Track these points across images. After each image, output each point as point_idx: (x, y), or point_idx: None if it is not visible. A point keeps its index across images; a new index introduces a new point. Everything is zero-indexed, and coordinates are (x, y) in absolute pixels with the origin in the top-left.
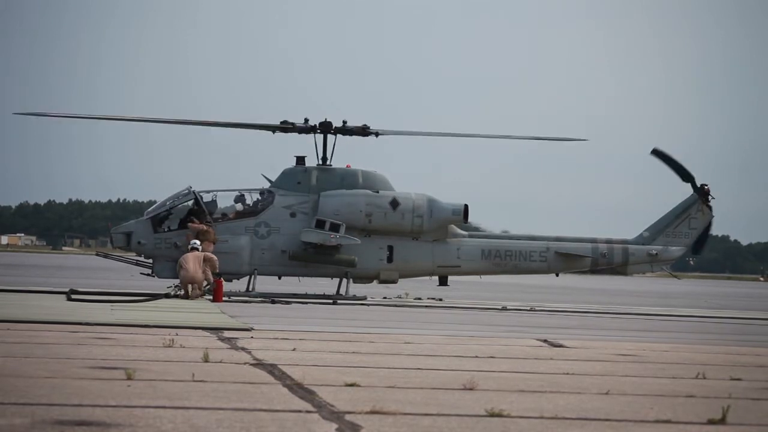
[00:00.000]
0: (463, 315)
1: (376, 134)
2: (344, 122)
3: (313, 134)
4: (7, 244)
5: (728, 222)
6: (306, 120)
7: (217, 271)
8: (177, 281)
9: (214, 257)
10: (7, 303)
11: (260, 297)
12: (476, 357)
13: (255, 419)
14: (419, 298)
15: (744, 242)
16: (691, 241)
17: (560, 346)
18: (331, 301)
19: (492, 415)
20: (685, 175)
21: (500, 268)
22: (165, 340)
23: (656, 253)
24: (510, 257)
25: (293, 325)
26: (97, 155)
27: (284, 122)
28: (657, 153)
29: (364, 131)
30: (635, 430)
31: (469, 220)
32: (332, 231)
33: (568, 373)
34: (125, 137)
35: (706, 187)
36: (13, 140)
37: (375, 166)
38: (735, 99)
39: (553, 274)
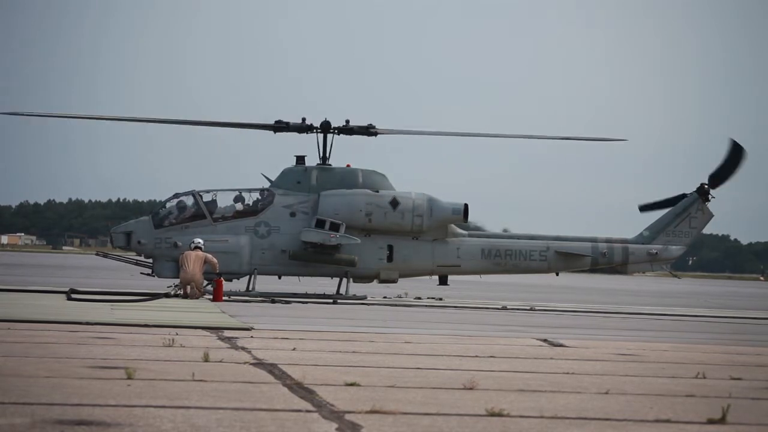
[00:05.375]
0: (463, 315)
1: (375, 134)
2: (347, 121)
3: (315, 134)
4: (7, 244)
5: (728, 222)
6: (303, 119)
7: (218, 271)
8: (177, 281)
9: (214, 259)
10: (7, 303)
11: (260, 296)
12: (476, 357)
13: (255, 419)
14: (419, 298)
15: (744, 242)
16: (692, 241)
17: (560, 345)
18: (331, 300)
19: (492, 414)
20: (676, 200)
21: (500, 268)
22: (165, 340)
23: (656, 253)
24: (510, 256)
25: (293, 325)
26: (97, 155)
27: (278, 122)
28: (645, 208)
29: (367, 131)
30: (635, 429)
31: (469, 219)
32: (332, 230)
33: (567, 373)
34: (125, 137)
35: (706, 186)
36: (13, 140)
37: (375, 166)
38: (735, 99)
39: (553, 274)
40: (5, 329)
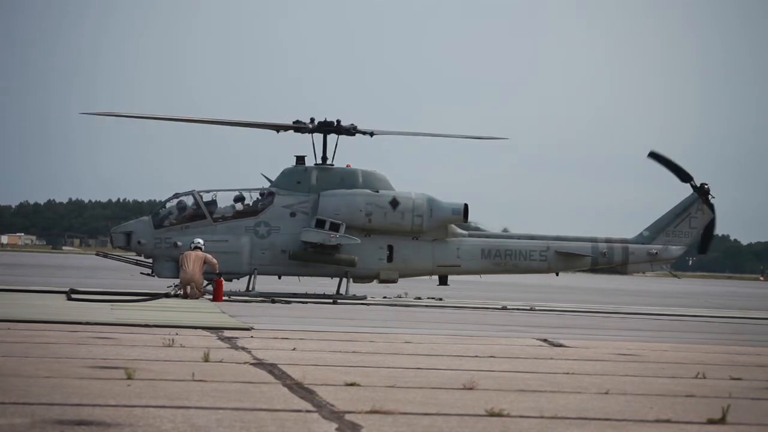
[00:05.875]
0: (463, 315)
1: (371, 134)
2: (338, 121)
3: (311, 134)
4: (7, 244)
5: (728, 222)
6: (312, 119)
7: (217, 271)
8: (177, 281)
9: (214, 259)
10: (7, 303)
11: (260, 296)
12: (476, 357)
13: (255, 419)
14: (419, 298)
15: (744, 242)
16: (692, 241)
17: (560, 345)
18: (331, 300)
19: (492, 414)
20: (684, 176)
21: (500, 268)
22: (165, 340)
23: (656, 253)
24: (510, 256)
25: (293, 325)
26: (97, 155)
27: (297, 122)
28: (654, 156)
29: (352, 131)
30: (635, 429)
31: (469, 219)
32: (332, 230)
33: (567, 373)
34: (125, 137)
35: (706, 186)
36: (14, 140)
37: (375, 166)
38: (735, 98)
39: (553, 274)
40: (5, 329)
